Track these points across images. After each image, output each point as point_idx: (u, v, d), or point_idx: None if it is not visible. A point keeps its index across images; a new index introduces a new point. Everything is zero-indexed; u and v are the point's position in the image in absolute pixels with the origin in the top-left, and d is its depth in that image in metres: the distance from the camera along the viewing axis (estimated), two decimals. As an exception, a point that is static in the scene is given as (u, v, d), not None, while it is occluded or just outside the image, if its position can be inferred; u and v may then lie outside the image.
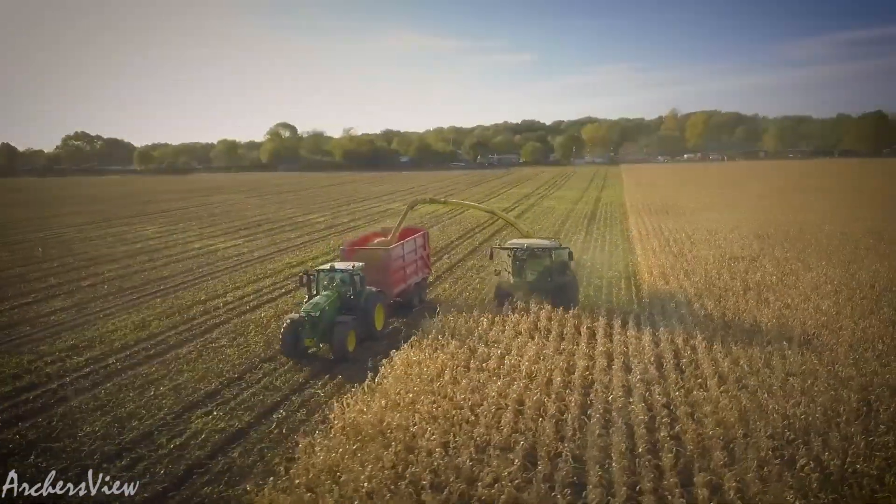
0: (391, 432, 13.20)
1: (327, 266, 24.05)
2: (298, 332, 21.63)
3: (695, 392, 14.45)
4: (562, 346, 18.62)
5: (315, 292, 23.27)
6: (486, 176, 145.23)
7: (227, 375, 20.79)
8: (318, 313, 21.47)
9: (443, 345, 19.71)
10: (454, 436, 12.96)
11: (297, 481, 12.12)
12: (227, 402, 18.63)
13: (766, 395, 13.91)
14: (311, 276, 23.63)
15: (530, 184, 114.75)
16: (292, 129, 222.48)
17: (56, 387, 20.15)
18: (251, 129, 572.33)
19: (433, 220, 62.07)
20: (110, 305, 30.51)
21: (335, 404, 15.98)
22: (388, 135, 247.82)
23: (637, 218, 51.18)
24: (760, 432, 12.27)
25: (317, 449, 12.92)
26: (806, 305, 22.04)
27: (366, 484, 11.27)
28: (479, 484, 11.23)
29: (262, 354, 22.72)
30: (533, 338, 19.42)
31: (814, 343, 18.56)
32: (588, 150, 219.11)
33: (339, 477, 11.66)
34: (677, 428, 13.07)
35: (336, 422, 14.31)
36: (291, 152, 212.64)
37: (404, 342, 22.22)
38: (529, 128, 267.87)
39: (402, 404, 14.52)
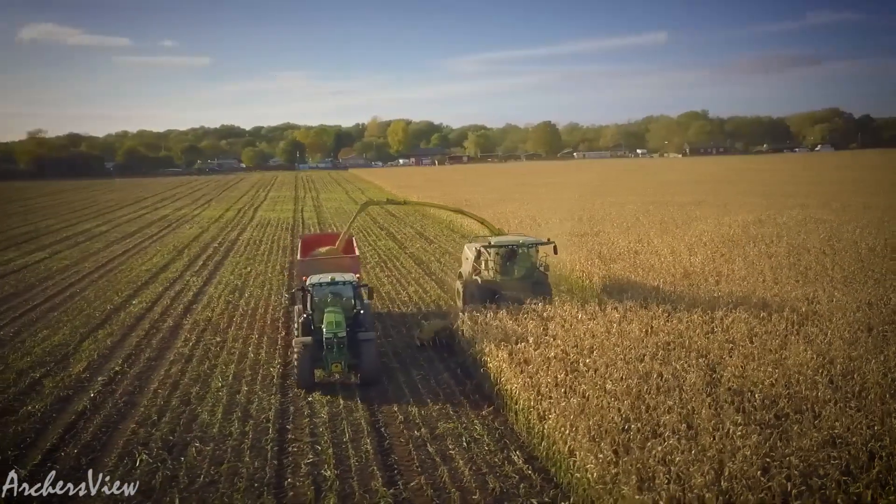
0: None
1: (327, 279, 20.55)
2: (318, 358, 18.88)
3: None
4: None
5: (312, 310, 20.01)
6: (226, 181, 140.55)
7: (279, 359, 21.39)
8: (344, 334, 18.61)
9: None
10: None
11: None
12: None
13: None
14: (308, 291, 20.26)
15: (285, 188, 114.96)
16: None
17: (96, 396, 18.81)
18: None
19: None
20: (-1, 324, 26.84)
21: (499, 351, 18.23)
22: (74, 138, 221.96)
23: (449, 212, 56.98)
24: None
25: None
26: (695, 258, 30.01)
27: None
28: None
29: (280, 340, 23.39)
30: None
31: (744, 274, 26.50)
32: (309, 154, 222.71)
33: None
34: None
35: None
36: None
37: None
38: (231, 133, 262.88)
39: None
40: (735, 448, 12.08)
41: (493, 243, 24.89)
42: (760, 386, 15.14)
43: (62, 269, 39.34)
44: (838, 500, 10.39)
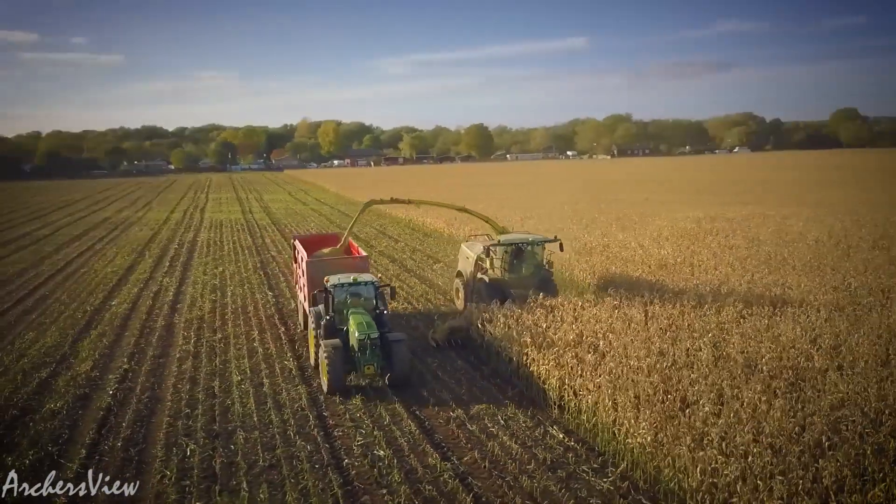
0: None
1: (349, 279, 19.81)
2: (347, 361, 18.38)
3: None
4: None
5: (333, 311, 19.50)
6: (157, 183, 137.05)
7: (290, 353, 21.73)
8: (377, 335, 18.24)
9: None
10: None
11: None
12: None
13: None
14: (330, 293, 19.56)
15: (223, 190, 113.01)
16: None
17: (115, 393, 18.75)
18: None
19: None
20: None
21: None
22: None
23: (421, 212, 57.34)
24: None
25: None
26: (664, 251, 31.95)
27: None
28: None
29: (283, 336, 23.70)
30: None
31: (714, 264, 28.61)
32: (240, 156, 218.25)
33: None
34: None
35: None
36: None
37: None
38: (154, 133, 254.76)
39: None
40: (763, 412, 13.52)
41: (501, 242, 25.16)
42: (763, 360, 16.74)
43: (19, 272, 37.97)
44: (866, 448, 11.88)
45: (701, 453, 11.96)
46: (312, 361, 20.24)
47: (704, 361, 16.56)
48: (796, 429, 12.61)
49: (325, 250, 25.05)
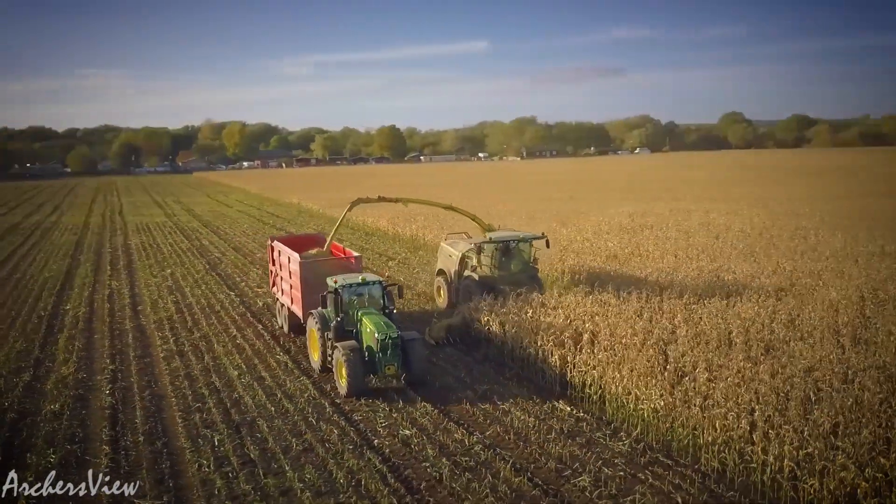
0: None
1: (357, 279, 19.70)
2: (369, 362, 18.17)
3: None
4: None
5: (343, 311, 19.25)
6: (58, 187, 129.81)
7: (279, 348, 22.00)
8: (396, 334, 18.03)
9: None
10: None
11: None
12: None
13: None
14: (339, 294, 19.27)
15: (137, 194, 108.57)
16: None
17: (113, 392, 18.57)
18: None
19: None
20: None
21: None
22: None
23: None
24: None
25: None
26: (609, 243, 34.05)
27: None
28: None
29: (265, 333, 23.88)
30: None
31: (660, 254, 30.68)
32: (145, 158, 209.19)
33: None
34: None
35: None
36: None
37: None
38: (42, 135, 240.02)
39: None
40: (751, 377, 15.32)
41: (491, 239, 25.38)
42: (734, 334, 18.69)
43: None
44: (846, 401, 13.81)
45: (714, 411, 13.54)
46: (316, 365, 20.03)
47: (685, 337, 18.32)
48: (786, 388, 14.44)
49: (312, 251, 24.77)
